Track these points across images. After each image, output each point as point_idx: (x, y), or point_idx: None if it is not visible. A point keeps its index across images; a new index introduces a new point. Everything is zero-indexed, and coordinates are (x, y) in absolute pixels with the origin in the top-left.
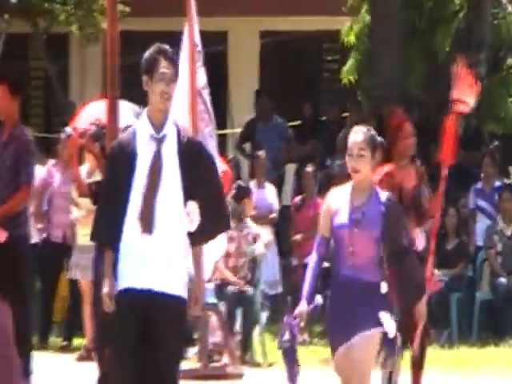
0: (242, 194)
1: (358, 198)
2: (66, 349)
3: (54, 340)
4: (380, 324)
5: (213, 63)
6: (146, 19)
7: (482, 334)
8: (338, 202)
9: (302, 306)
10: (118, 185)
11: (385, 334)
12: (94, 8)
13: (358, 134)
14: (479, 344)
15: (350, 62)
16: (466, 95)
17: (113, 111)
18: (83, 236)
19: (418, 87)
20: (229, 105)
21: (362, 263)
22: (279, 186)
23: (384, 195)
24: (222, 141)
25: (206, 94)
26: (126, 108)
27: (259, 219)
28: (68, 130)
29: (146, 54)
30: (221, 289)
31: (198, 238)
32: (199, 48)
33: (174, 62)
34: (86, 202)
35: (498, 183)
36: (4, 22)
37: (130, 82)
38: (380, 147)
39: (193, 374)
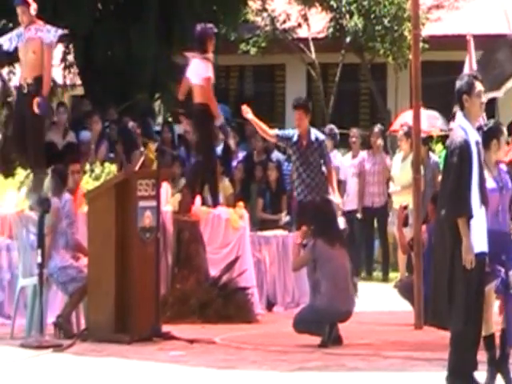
0: None
1: (493, 171)
2: (385, 280)
3: (377, 274)
4: None
5: None
6: (439, 52)
7: None
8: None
9: None
10: (469, 170)
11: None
12: (404, 45)
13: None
14: None
15: None
16: None
17: (417, 117)
18: (396, 203)
19: None
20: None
21: (505, 218)
22: None
23: (502, 168)
24: None
25: None
26: (426, 114)
27: None
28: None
29: (465, 79)
30: None
31: None
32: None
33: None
34: (400, 180)
35: None
36: (341, 55)
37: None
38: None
39: None
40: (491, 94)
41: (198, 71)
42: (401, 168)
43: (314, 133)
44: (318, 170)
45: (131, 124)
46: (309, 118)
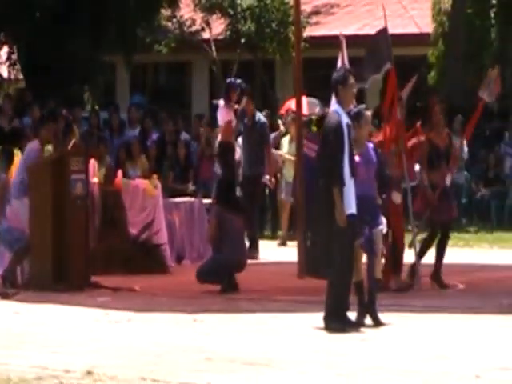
0: None
1: (360, 148)
2: (273, 238)
3: (267, 232)
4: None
5: None
6: (318, 50)
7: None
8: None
9: None
10: (342, 147)
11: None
12: (288, 45)
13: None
14: None
15: (433, 73)
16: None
17: (299, 103)
18: (288, 177)
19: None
20: None
21: (371, 185)
22: None
23: (370, 145)
24: None
25: None
26: (307, 101)
27: None
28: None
29: (340, 72)
30: None
31: None
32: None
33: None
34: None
35: None
36: (237, 54)
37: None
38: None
39: None
40: (371, 82)
41: (223, 116)
42: (289, 148)
43: (258, 116)
44: (257, 147)
45: (64, 111)
46: (253, 102)
